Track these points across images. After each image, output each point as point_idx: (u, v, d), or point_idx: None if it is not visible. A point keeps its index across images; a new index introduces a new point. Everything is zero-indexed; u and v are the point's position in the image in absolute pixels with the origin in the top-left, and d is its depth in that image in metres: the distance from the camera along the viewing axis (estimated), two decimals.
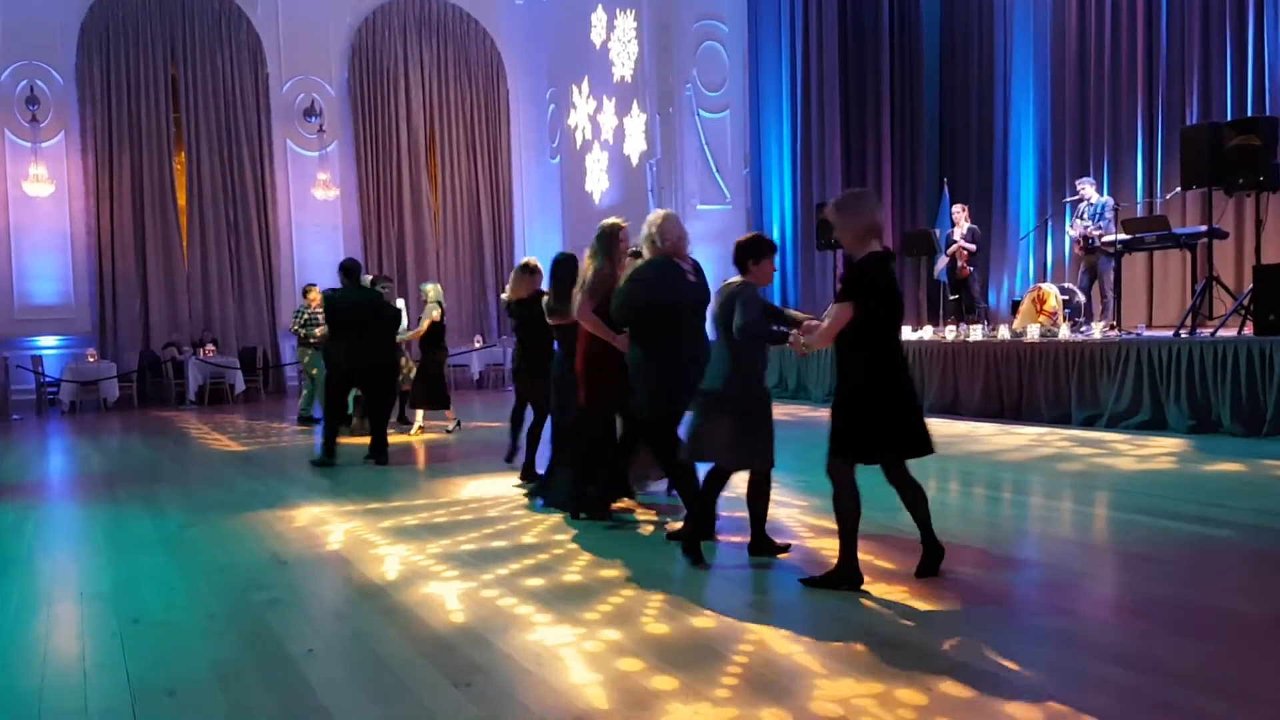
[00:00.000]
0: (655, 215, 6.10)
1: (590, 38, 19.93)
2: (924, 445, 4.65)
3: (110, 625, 4.54)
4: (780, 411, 13.11)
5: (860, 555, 5.22)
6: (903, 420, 4.60)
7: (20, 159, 18.72)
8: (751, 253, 5.15)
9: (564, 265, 7.07)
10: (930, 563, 4.82)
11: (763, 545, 5.35)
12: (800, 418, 12.12)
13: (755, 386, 5.18)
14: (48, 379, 17.90)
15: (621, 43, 18.95)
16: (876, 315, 4.54)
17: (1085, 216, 12.31)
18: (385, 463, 9.36)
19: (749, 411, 5.13)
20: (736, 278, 5.20)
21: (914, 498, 4.77)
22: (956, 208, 13.99)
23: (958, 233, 13.78)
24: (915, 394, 4.72)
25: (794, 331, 4.93)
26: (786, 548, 5.38)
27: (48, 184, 18.76)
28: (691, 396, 5.34)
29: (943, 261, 14.03)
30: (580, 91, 20.62)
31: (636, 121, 18.62)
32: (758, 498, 5.34)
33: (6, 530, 6.92)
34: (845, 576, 4.66)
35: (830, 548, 5.46)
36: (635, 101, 18.64)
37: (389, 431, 9.87)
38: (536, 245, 20.37)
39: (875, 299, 4.53)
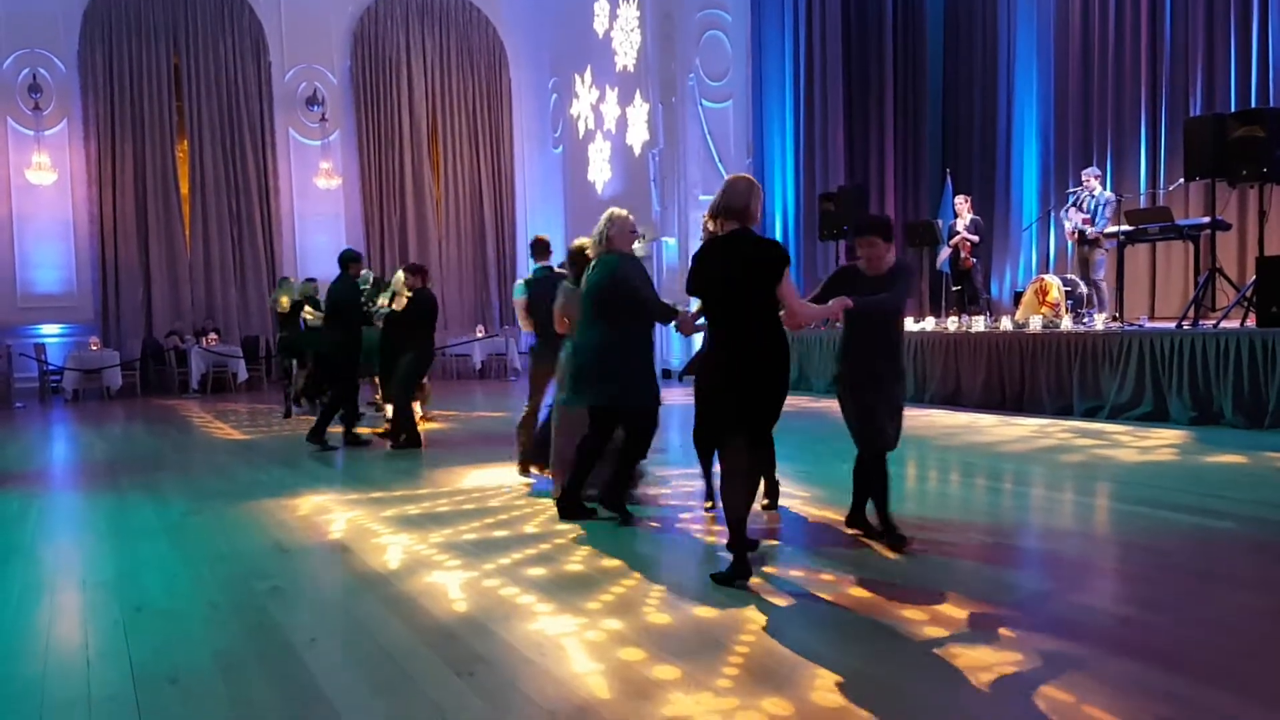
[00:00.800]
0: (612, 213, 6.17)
1: (593, 27, 19.88)
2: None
3: (113, 613, 4.55)
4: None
5: (861, 546, 5.23)
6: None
7: (23, 147, 18.72)
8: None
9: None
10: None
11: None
12: (803, 409, 12.12)
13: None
14: (51, 367, 17.93)
15: (624, 32, 18.91)
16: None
17: (1083, 208, 12.29)
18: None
19: None
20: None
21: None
22: (959, 199, 13.97)
23: (960, 224, 13.77)
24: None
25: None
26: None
27: (50, 172, 18.76)
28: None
29: (945, 252, 14.02)
30: (583, 81, 20.58)
31: (639, 111, 18.58)
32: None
33: (9, 518, 6.93)
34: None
35: (833, 538, 5.47)
36: (638, 91, 18.60)
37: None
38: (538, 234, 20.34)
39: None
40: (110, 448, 10.88)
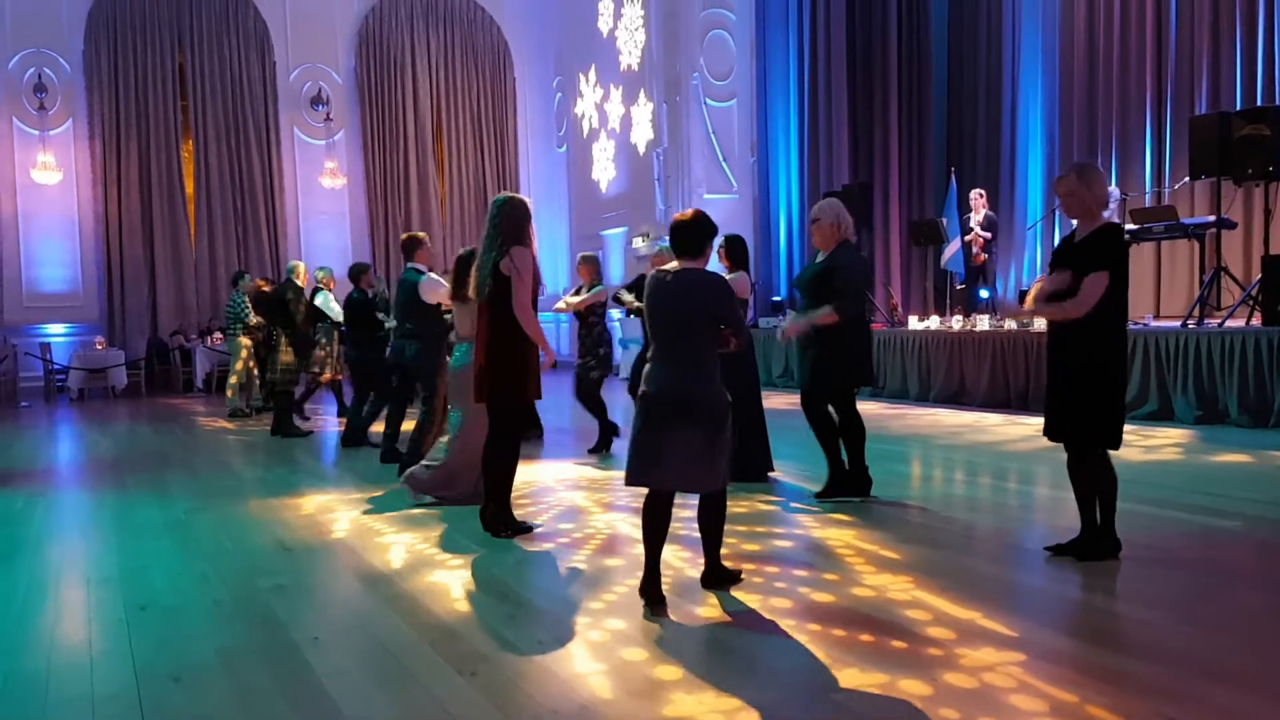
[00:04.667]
0: None
1: (597, 26, 19.88)
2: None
3: (117, 611, 4.56)
4: (785, 401, 13.10)
5: (865, 545, 5.23)
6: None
7: (28, 146, 18.74)
8: (711, 233, 4.53)
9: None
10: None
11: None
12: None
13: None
14: (56, 366, 17.95)
15: (629, 31, 18.90)
16: (1124, 285, 4.64)
17: None
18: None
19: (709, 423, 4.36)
20: (683, 264, 4.45)
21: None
22: (974, 193, 13.89)
23: (974, 219, 13.70)
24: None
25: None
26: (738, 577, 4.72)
27: (55, 172, 18.79)
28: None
29: (951, 249, 13.96)
30: (587, 80, 20.58)
31: (643, 110, 18.58)
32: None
33: (15, 516, 6.95)
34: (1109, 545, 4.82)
35: (836, 539, 5.47)
36: (642, 90, 18.59)
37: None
38: (543, 234, 20.28)
39: (1125, 268, 4.62)
40: (115, 446, 10.90)
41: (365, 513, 6.62)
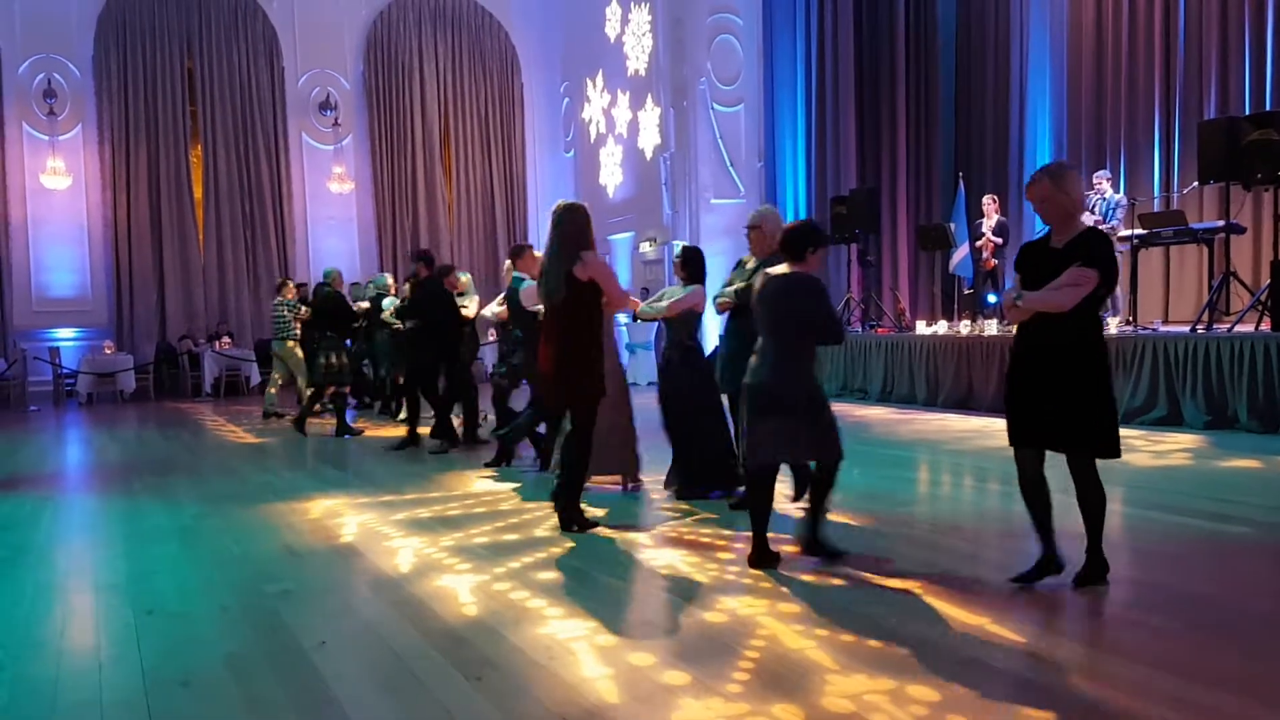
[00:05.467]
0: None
1: (604, 31, 19.91)
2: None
3: (124, 616, 4.56)
4: None
5: (872, 550, 5.22)
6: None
7: (38, 152, 18.83)
8: (812, 240, 5.00)
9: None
10: None
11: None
12: None
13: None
14: (65, 370, 18.01)
15: (636, 36, 18.92)
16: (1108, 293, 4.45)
17: (1096, 211, 12.24)
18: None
19: (808, 408, 4.96)
20: (782, 267, 5.04)
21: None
22: (987, 199, 13.83)
23: (986, 225, 13.66)
24: None
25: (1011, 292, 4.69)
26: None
27: (65, 177, 18.87)
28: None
29: (959, 254, 13.92)
30: (594, 85, 20.61)
31: (650, 115, 18.59)
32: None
33: (23, 521, 6.96)
34: (1102, 567, 4.56)
35: (847, 541, 5.45)
36: (649, 95, 18.61)
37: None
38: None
39: (1113, 277, 4.38)
40: (123, 451, 10.92)
41: (372, 517, 6.62)
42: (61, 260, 19.12)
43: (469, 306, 10.19)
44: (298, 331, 13.04)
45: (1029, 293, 4.41)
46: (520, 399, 8.79)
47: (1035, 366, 4.46)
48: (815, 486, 5.10)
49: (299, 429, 11.23)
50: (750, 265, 6.15)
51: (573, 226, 5.85)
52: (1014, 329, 4.64)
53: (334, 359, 11.14)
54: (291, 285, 13.75)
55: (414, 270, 10.04)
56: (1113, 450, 4.44)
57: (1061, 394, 4.38)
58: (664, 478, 7.04)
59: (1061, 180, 4.40)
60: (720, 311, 6.39)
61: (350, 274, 11.33)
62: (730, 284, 6.27)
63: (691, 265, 6.90)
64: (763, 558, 4.94)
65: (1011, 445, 4.60)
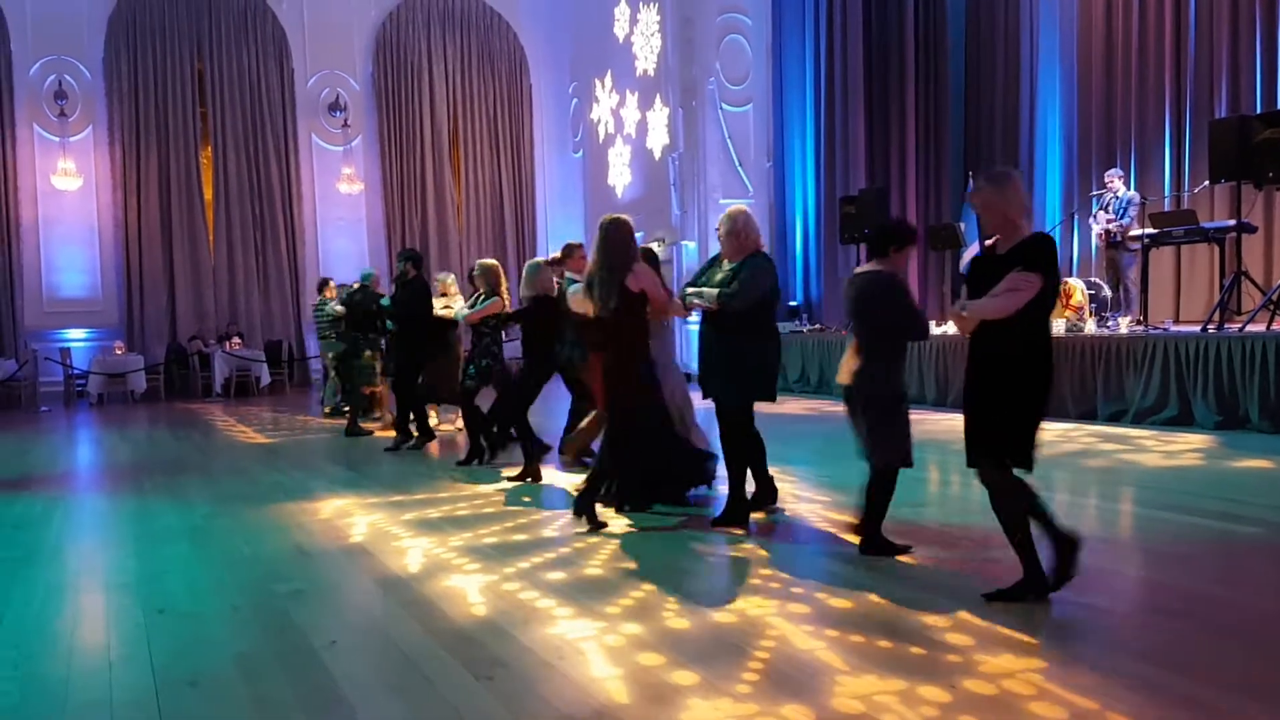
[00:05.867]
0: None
1: (613, 31, 19.91)
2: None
3: (135, 616, 4.57)
4: (802, 406, 13.07)
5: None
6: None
7: (49, 153, 18.90)
8: (894, 237, 5.09)
9: None
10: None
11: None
12: (823, 413, 12.07)
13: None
14: (76, 371, 18.08)
15: (644, 36, 18.92)
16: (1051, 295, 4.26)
17: (1109, 209, 12.20)
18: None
19: (899, 408, 5.10)
20: (869, 265, 5.12)
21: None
22: None
23: None
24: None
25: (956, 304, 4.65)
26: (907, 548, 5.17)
27: (75, 178, 18.94)
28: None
29: (969, 253, 13.87)
30: (603, 85, 20.61)
31: (659, 115, 18.59)
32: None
33: (34, 520, 6.99)
34: (1032, 585, 4.29)
35: (854, 544, 5.44)
36: (658, 95, 18.61)
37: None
38: (558, 239, 20.38)
39: (1056, 282, 4.26)
40: (134, 451, 10.96)
41: (382, 517, 6.63)
42: (72, 261, 19.20)
43: (453, 308, 10.15)
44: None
45: (972, 301, 4.33)
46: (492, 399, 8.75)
47: (975, 375, 4.36)
48: (866, 486, 5.15)
49: (352, 434, 11.13)
50: (725, 267, 6.00)
51: (619, 239, 5.96)
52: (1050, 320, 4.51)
53: (368, 358, 11.27)
54: (332, 285, 13.67)
55: (402, 269, 10.03)
56: (996, 456, 4.27)
57: (978, 402, 4.31)
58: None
59: (1003, 187, 4.31)
60: (688, 311, 6.21)
61: (356, 275, 11.44)
62: (695, 283, 6.12)
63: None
64: (879, 547, 5.09)
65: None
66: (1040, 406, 4.27)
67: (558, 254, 8.68)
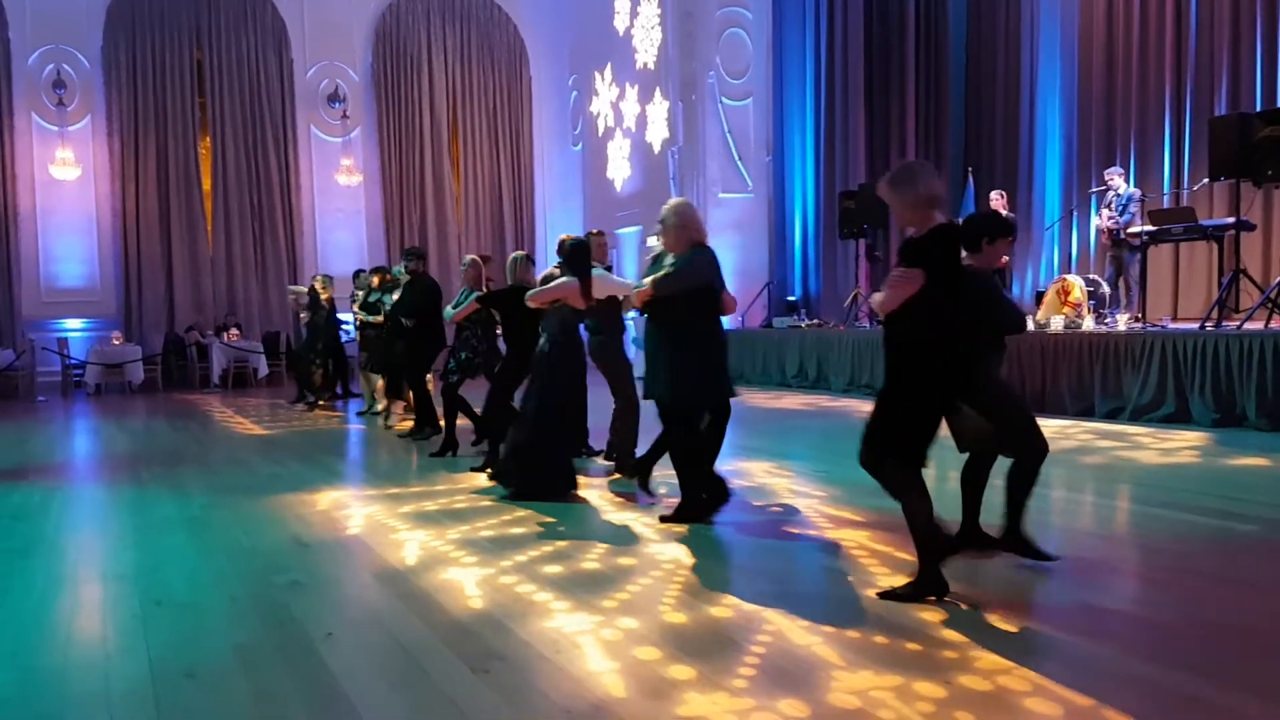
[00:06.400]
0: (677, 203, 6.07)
1: (614, 24, 19.87)
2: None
3: (132, 607, 4.58)
4: (799, 401, 13.09)
5: (879, 547, 5.22)
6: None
7: (47, 142, 18.85)
8: (988, 230, 4.90)
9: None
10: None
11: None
12: (820, 407, 12.09)
13: None
14: (73, 361, 18.05)
15: (645, 29, 18.89)
16: (947, 299, 4.17)
17: (1111, 207, 12.20)
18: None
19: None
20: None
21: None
22: (995, 194, 13.76)
23: None
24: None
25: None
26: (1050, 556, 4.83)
27: (74, 167, 18.89)
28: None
29: None
30: (603, 78, 20.58)
31: (659, 108, 18.57)
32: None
33: (32, 511, 6.99)
34: (929, 584, 4.29)
35: (851, 539, 5.45)
36: (658, 88, 18.58)
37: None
38: (558, 232, 20.35)
39: (949, 280, 4.17)
40: (131, 441, 10.95)
41: (380, 510, 6.63)
42: (70, 251, 19.16)
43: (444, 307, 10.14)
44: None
45: (876, 294, 4.39)
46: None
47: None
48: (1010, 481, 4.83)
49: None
50: (668, 261, 5.95)
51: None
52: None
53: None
54: (389, 273, 13.42)
55: (413, 267, 10.03)
56: (872, 452, 4.31)
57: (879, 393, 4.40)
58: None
59: (895, 186, 4.32)
60: (639, 305, 6.03)
61: (359, 266, 11.38)
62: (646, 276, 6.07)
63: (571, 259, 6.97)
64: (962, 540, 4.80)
65: None
66: (928, 404, 4.24)
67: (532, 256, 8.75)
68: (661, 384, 5.80)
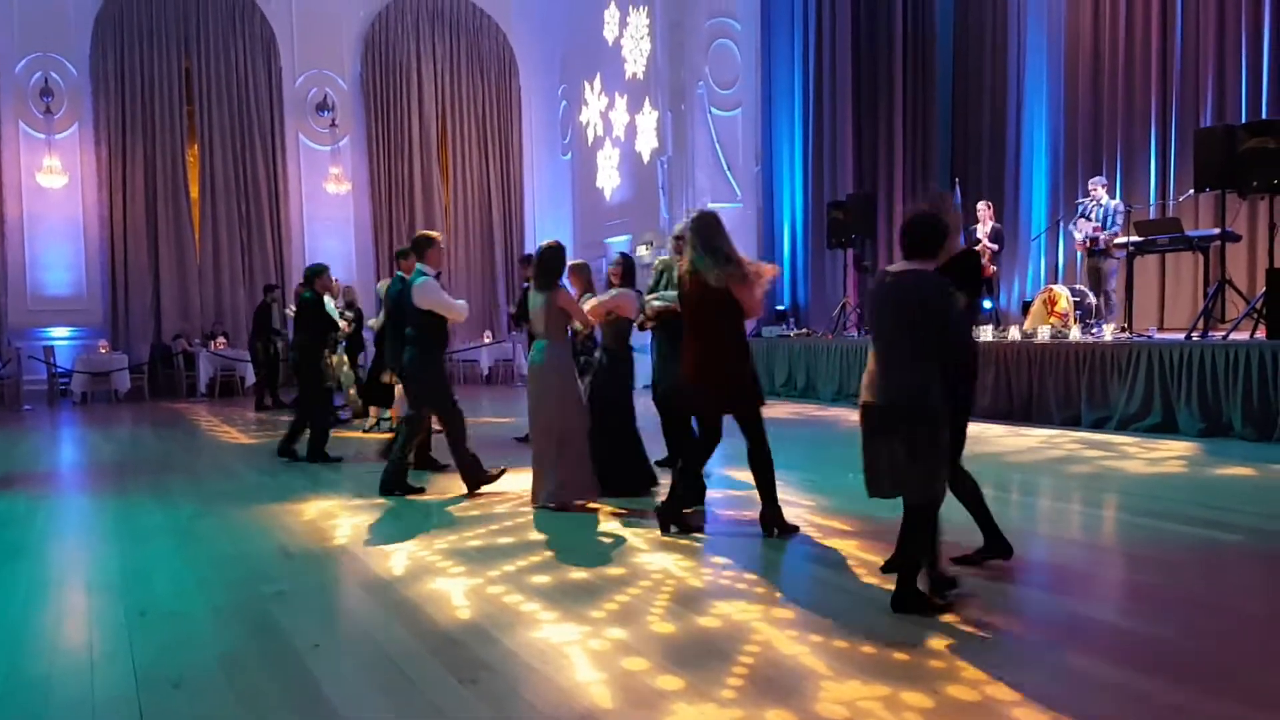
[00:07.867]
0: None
1: (603, 34, 19.91)
2: None
3: (118, 615, 4.55)
4: (788, 410, 13.10)
5: (868, 556, 5.22)
6: None
7: (34, 150, 18.80)
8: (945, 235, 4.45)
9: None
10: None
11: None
12: (809, 417, 12.10)
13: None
14: (59, 370, 17.96)
15: (634, 39, 18.93)
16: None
17: (1093, 218, 12.24)
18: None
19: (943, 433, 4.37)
20: (900, 265, 4.38)
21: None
22: (981, 205, 13.77)
23: (981, 231, 13.62)
24: None
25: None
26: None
27: (61, 175, 18.84)
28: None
29: None
30: (592, 88, 20.61)
31: (648, 118, 18.60)
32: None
33: (17, 519, 6.95)
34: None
35: (839, 548, 5.45)
36: (647, 98, 18.62)
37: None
38: (546, 240, 20.39)
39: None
40: (117, 450, 10.90)
41: (366, 519, 6.61)
42: (57, 259, 19.09)
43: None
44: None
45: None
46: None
47: None
48: (903, 529, 4.47)
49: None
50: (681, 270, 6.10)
51: (706, 231, 5.83)
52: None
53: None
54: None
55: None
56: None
57: None
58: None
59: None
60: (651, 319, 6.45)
61: (346, 276, 11.32)
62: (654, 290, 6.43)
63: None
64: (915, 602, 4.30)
65: None
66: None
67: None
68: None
